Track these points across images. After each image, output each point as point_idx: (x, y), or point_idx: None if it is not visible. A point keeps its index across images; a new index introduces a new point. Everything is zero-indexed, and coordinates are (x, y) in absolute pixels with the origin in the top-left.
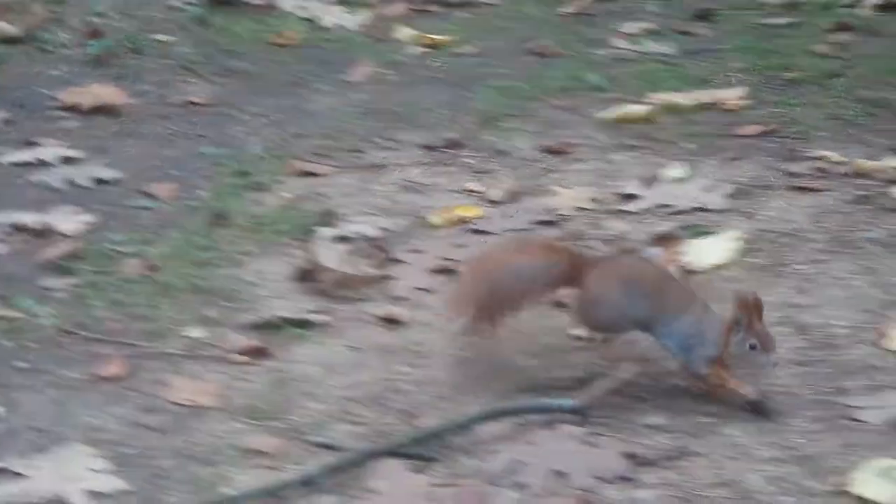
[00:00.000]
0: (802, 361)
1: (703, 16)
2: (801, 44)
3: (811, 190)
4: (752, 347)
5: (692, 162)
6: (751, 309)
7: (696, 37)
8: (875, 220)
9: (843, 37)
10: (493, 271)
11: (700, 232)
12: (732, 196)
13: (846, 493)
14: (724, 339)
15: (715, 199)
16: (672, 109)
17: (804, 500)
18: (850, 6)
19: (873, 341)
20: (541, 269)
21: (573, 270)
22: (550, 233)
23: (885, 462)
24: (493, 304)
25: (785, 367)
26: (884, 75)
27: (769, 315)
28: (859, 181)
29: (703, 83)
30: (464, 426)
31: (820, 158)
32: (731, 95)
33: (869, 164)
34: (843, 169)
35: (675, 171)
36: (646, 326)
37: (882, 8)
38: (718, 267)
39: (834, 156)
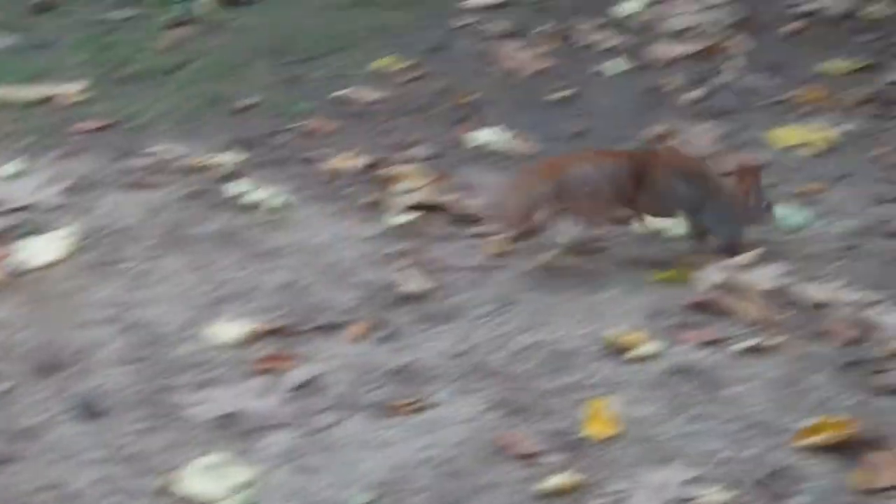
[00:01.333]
0: (130, 360)
1: (43, 8)
2: (141, 38)
3: (146, 186)
4: (768, 207)
5: (27, 158)
6: (756, 173)
7: (36, 30)
8: (208, 215)
9: (183, 31)
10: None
11: (32, 230)
12: (67, 192)
13: (171, 492)
14: (744, 204)
15: (49, 197)
16: (8, 104)
17: (130, 500)
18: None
19: (201, 337)
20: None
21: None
22: None
23: (211, 458)
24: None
25: (113, 366)
26: (223, 70)
27: (99, 314)
28: (194, 176)
29: (43, 77)
30: None
31: (157, 154)
32: (71, 90)
33: (204, 159)
34: (179, 164)
35: (9, 167)
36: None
37: (225, 2)
38: (49, 265)
39: (171, 151)
